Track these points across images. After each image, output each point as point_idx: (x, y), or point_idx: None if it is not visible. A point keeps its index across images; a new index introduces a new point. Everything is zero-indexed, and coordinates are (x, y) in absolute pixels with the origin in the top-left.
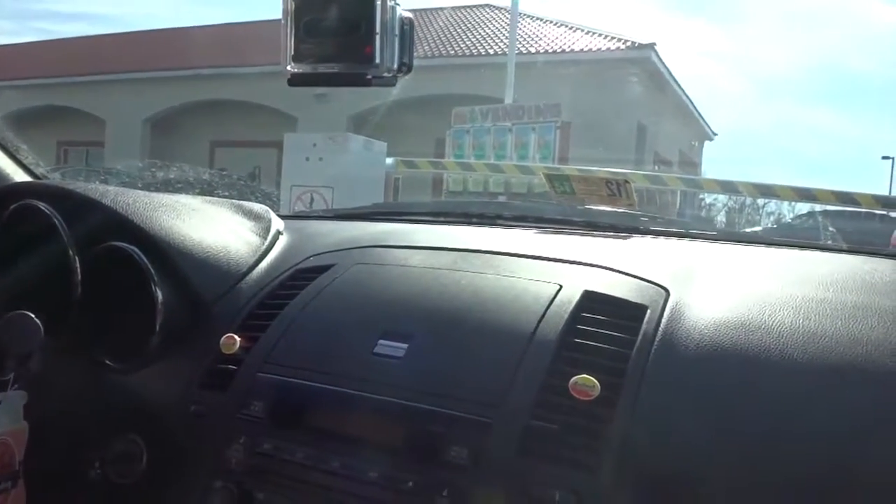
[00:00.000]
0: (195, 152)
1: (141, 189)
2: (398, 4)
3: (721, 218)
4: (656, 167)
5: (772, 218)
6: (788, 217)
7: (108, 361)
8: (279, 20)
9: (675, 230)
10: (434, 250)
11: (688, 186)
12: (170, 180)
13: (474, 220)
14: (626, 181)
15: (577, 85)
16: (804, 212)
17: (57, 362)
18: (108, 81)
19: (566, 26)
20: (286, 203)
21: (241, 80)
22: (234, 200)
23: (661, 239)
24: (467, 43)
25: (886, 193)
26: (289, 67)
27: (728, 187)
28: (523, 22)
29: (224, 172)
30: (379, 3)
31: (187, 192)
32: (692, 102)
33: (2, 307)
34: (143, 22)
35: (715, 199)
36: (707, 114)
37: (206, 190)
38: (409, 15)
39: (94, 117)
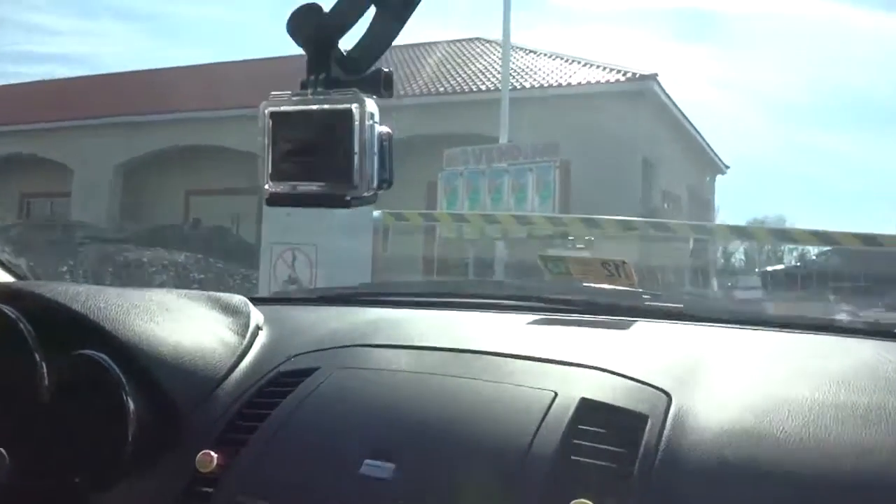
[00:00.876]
0: (169, 201)
1: (112, 244)
2: (376, 122)
3: (740, 256)
4: (665, 206)
5: (794, 254)
6: (813, 254)
7: (76, 479)
8: (256, 60)
9: (677, 309)
10: (422, 350)
11: (698, 233)
12: (143, 263)
13: (467, 303)
14: (625, 262)
15: (575, 121)
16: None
17: (22, 482)
18: (77, 127)
19: (562, 59)
20: (266, 262)
21: (217, 125)
22: (210, 293)
23: (664, 323)
24: (457, 80)
25: None
26: (267, 186)
27: (741, 233)
28: (516, 55)
29: (198, 221)
30: (357, 123)
31: (161, 276)
32: (700, 134)
33: None
34: (115, 63)
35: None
36: (717, 145)
37: (181, 273)
38: (388, 130)
39: (60, 166)
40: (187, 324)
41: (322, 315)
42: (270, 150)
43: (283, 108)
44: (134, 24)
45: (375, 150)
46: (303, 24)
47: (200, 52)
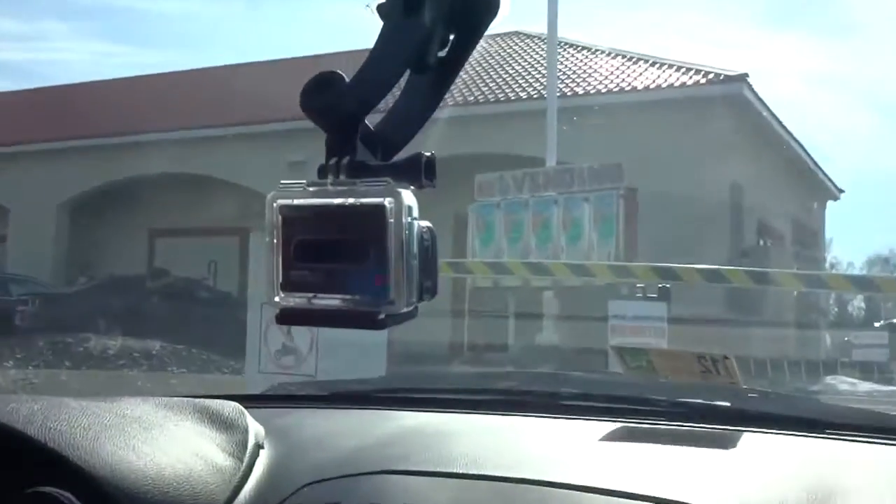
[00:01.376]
0: (129, 244)
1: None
2: (416, 219)
3: (859, 304)
4: (762, 242)
5: None
6: None
7: None
8: (238, 65)
9: (796, 416)
10: (470, 480)
11: (809, 286)
12: (108, 356)
13: (520, 403)
14: (726, 357)
15: (643, 136)
16: None
17: None
18: (13, 155)
19: (624, 57)
20: (254, 326)
21: (188, 148)
22: (196, 401)
23: (781, 435)
24: (491, 85)
25: None
26: (277, 299)
27: (866, 285)
28: (565, 53)
29: (162, 271)
30: (391, 221)
31: (131, 370)
32: (805, 150)
33: None
34: (61, 73)
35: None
36: (827, 164)
37: (154, 367)
38: (428, 225)
39: None
40: (170, 446)
41: (338, 423)
42: (281, 255)
43: (296, 202)
44: (83, 22)
45: (415, 253)
46: (321, 97)
47: (169, 55)
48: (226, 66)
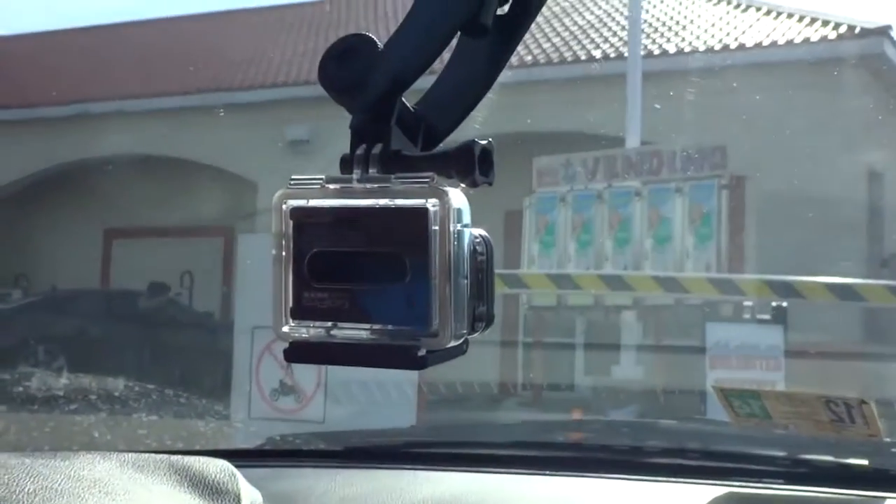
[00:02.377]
0: (78, 248)
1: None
2: (468, 226)
3: None
4: None
5: None
6: None
7: None
8: (222, 13)
9: None
10: None
11: None
12: (55, 398)
13: (588, 463)
14: (863, 401)
15: (753, 109)
16: None
17: None
18: None
19: (729, 3)
20: (244, 357)
21: (157, 121)
22: (174, 458)
23: None
24: (554, 41)
25: None
26: (285, 329)
27: None
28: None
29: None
30: (436, 227)
31: (85, 415)
32: None
33: None
34: None
35: None
36: None
37: (117, 412)
38: (483, 233)
39: None
40: None
41: (355, 487)
42: (292, 272)
43: (313, 204)
44: None
45: (466, 271)
46: (346, 69)
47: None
48: (206, 14)
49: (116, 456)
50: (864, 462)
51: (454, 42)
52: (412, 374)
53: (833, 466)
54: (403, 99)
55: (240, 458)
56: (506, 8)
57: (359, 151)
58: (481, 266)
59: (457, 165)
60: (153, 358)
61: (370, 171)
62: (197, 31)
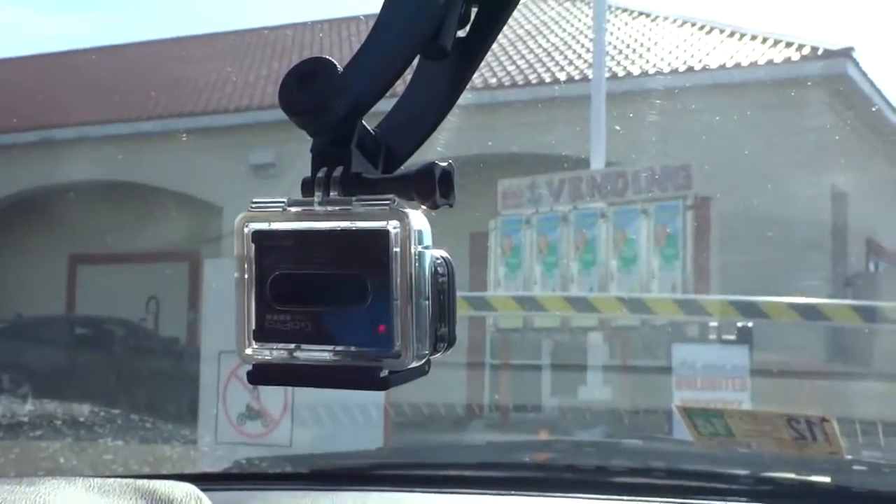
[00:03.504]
0: (42, 274)
1: None
2: (428, 247)
3: None
4: (872, 267)
5: None
6: None
7: None
8: (186, 38)
9: None
10: None
11: None
12: (20, 424)
13: (555, 483)
14: (824, 419)
15: (717, 130)
16: None
17: None
18: None
19: (693, 25)
20: (210, 383)
21: (120, 147)
22: (139, 482)
23: None
24: (518, 63)
25: None
26: (248, 351)
27: None
28: (617, 20)
29: (90, 319)
30: (397, 249)
31: (50, 441)
32: None
33: None
34: None
35: None
36: None
37: (82, 437)
38: (445, 255)
39: None
40: None
41: None
42: (255, 295)
43: (274, 227)
44: None
45: (427, 292)
46: (306, 93)
47: (92, 23)
48: (170, 40)
49: (82, 481)
50: (827, 479)
51: (414, 64)
52: (378, 397)
53: (795, 484)
54: (364, 122)
55: (206, 481)
56: (466, 30)
57: (320, 174)
58: (442, 287)
59: (417, 187)
60: (119, 383)
61: (331, 193)
62: (159, 56)
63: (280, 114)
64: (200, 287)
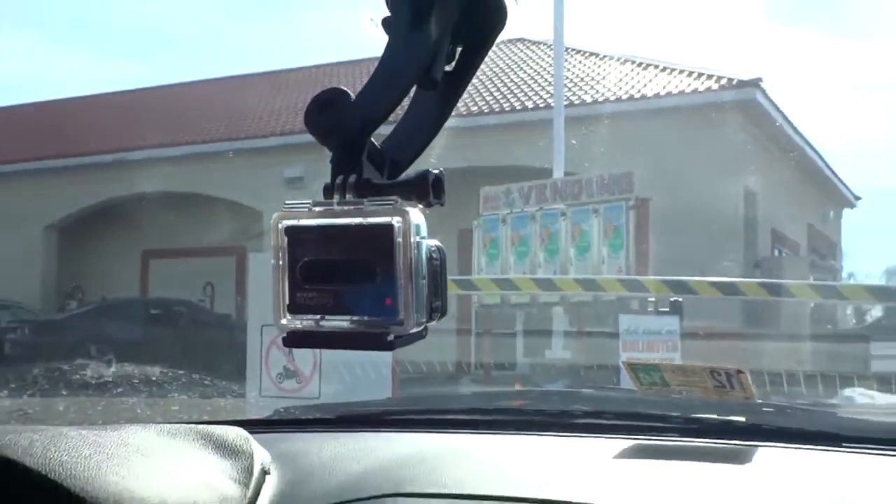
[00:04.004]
0: (121, 266)
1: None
2: (424, 238)
3: (877, 312)
4: (777, 252)
5: None
6: None
7: None
8: (232, 77)
9: (813, 429)
10: (479, 500)
11: (826, 297)
12: (105, 383)
13: (532, 423)
14: (740, 371)
15: (654, 145)
16: None
17: None
18: None
19: (633, 63)
20: (255, 349)
21: (181, 165)
22: (199, 427)
23: (796, 449)
24: (495, 94)
25: None
26: (284, 321)
27: (882, 294)
28: (572, 60)
29: (160, 300)
30: (399, 240)
31: (129, 396)
32: (821, 156)
33: None
34: (40, 88)
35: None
36: (844, 170)
37: (154, 393)
38: (438, 244)
39: None
40: (175, 475)
41: (345, 447)
42: (287, 277)
43: (302, 223)
44: (56, 33)
45: (424, 273)
46: (325, 116)
47: (156, 67)
48: (219, 79)
49: (154, 427)
50: (742, 419)
51: (412, 93)
52: (387, 356)
53: (717, 422)
54: (372, 139)
55: (252, 426)
56: (452, 66)
57: (338, 181)
58: (436, 269)
59: (415, 190)
60: (183, 350)
61: (347, 196)
62: (210, 92)
63: (308, 137)
64: (246, 275)
